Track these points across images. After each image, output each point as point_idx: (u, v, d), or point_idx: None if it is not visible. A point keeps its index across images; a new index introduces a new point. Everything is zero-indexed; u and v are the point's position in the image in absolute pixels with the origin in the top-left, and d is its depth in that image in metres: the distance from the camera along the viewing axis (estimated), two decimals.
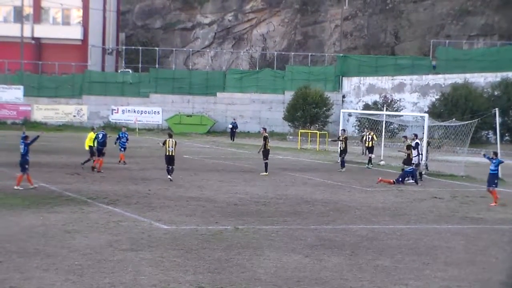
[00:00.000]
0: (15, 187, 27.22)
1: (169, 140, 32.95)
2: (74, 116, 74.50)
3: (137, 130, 66.36)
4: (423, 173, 35.45)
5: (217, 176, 34.35)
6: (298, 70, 75.06)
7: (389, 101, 65.88)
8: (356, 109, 67.89)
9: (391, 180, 33.64)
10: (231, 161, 43.08)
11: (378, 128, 48.31)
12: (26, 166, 27.56)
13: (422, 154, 35.25)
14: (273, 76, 74.68)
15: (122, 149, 38.62)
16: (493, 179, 27.75)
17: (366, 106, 67.50)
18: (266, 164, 35.76)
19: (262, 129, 39.11)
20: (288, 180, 33.67)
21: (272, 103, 73.14)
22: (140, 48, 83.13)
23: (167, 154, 32.52)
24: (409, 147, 34.64)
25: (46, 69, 79.55)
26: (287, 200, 26.94)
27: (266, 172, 35.45)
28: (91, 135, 35.24)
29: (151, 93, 74.58)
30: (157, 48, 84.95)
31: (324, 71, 74.50)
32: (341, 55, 76.10)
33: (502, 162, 28.70)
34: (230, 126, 66.10)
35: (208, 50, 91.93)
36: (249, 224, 21.32)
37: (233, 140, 63.63)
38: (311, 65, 78.77)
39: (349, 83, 72.73)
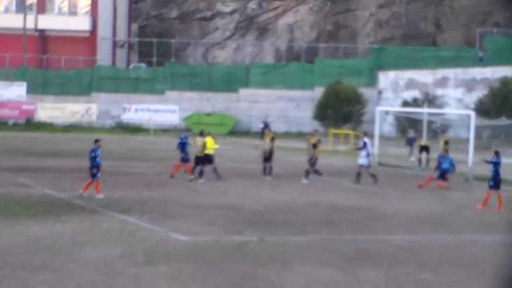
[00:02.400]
0: (97, 196, 27.15)
1: (197, 140, 33.32)
2: (83, 115, 74.89)
3: (151, 130, 66.72)
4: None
5: (241, 181, 34.43)
6: (329, 63, 75.00)
7: (430, 97, 65.65)
8: (394, 107, 67.72)
9: (430, 177, 33.71)
10: (255, 164, 43.07)
11: (418, 129, 48.14)
12: (93, 172, 27.31)
13: (371, 154, 35.99)
14: (301, 70, 74.67)
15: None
16: (490, 180, 27.93)
17: (405, 103, 67.32)
18: (271, 167, 35.78)
19: (267, 130, 40.20)
20: (318, 186, 33.67)
21: (300, 100, 73.11)
22: (155, 40, 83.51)
23: (195, 155, 33.06)
24: (315, 145, 35.27)
25: (51, 64, 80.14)
26: (318, 207, 26.97)
27: (271, 175, 35.50)
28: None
29: (167, 90, 74.84)
30: (173, 40, 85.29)
31: (358, 64, 74.41)
32: (377, 46, 76.03)
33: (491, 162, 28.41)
34: (262, 125, 65.51)
35: (229, 42, 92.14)
36: (276, 234, 21.36)
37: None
38: (343, 58, 78.72)
39: (386, 78, 72.55)
